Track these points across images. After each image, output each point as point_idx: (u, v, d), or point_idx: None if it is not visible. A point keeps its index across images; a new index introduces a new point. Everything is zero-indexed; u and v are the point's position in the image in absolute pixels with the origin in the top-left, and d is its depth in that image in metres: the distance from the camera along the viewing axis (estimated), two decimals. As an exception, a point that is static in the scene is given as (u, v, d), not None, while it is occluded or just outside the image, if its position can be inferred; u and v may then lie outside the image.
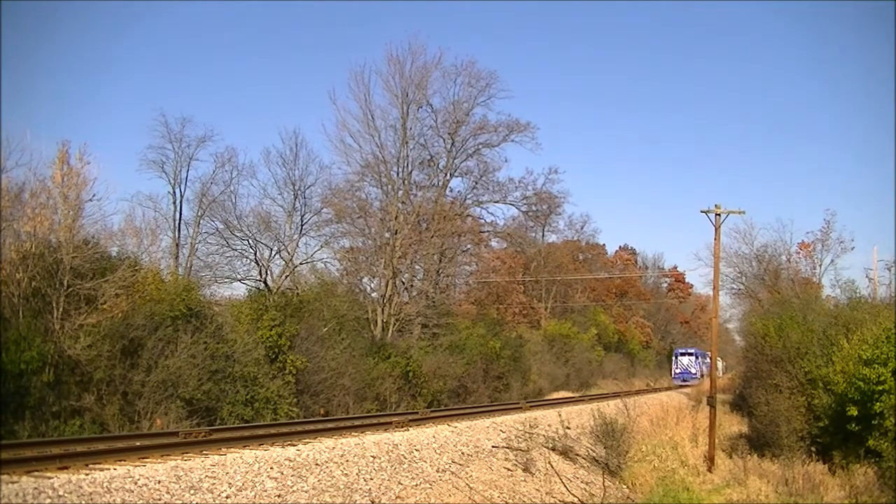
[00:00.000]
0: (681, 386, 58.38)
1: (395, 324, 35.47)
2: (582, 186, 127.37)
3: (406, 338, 35.49)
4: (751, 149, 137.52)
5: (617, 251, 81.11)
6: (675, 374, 64.10)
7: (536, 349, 47.73)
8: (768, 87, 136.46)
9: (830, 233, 41.69)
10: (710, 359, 29.12)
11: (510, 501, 14.10)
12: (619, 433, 19.60)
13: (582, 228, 68.80)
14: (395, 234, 36.81)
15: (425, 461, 13.83)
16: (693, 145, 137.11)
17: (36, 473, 9.08)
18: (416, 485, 12.78)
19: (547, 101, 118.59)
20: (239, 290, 31.83)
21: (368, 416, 21.88)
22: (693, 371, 62.98)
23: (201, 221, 31.49)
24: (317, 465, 11.63)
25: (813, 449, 21.00)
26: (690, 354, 64.75)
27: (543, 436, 18.15)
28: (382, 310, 35.14)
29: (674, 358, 65.97)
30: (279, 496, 10.24)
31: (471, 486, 13.75)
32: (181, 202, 31.56)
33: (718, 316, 31.56)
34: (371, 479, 12.06)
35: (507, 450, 16.30)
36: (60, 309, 17.45)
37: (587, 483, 17.44)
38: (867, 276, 36.03)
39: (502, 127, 42.60)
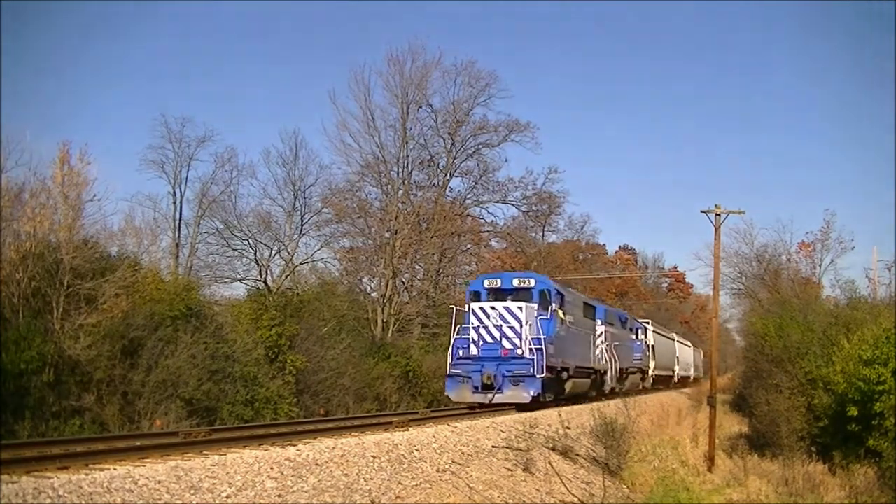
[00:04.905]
0: (472, 407, 21.21)
1: (395, 324, 35.47)
2: (582, 186, 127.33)
3: (406, 338, 35.50)
4: (751, 149, 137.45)
5: (617, 251, 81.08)
6: (456, 362, 21.58)
7: (537, 349, 47.54)
8: (768, 87, 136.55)
9: (830, 233, 41.89)
10: (711, 357, 28.77)
11: (510, 501, 14.10)
12: (619, 433, 19.58)
13: (582, 228, 68.64)
14: (395, 234, 36.82)
15: (425, 461, 13.83)
16: (693, 145, 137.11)
17: (36, 473, 9.07)
18: (417, 485, 12.78)
19: (547, 101, 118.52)
20: (239, 290, 31.89)
21: (368, 416, 21.88)
22: (518, 352, 20.89)
23: (201, 221, 31.54)
24: (317, 465, 11.62)
25: (813, 449, 21.03)
26: (519, 294, 22.41)
27: (543, 436, 18.13)
28: (382, 310, 35.14)
29: (468, 314, 21.84)
30: (279, 496, 10.24)
31: (471, 486, 13.75)
32: (181, 202, 31.62)
33: (718, 316, 31.58)
34: (371, 479, 12.06)
35: (507, 450, 16.30)
36: (60, 309, 17.45)
37: (587, 483, 17.44)
38: (867, 276, 36.09)
39: (502, 127, 42.68)
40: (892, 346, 19.27)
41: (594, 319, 29.08)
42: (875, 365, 19.09)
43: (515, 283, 23.16)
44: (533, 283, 23.04)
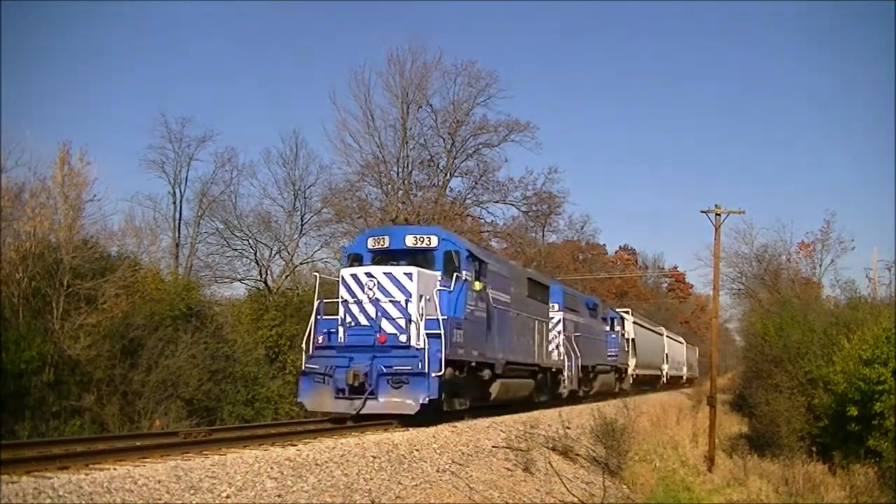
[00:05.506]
0: (340, 420, 15.17)
1: (395, 324, 35.36)
2: (582, 186, 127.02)
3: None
4: (751, 149, 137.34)
5: (617, 251, 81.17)
6: (315, 353, 14.89)
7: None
8: (768, 87, 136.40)
9: (830, 233, 42.02)
10: (711, 357, 28.81)
11: (510, 501, 14.10)
12: (619, 433, 19.59)
13: (582, 228, 68.57)
14: (396, 234, 36.77)
15: (425, 461, 13.83)
16: (693, 145, 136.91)
17: (36, 473, 9.07)
18: (416, 485, 12.78)
19: (547, 101, 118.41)
20: (239, 290, 31.94)
21: (368, 416, 21.86)
22: (403, 338, 14.28)
23: (201, 221, 31.58)
24: (317, 465, 11.63)
25: (813, 449, 21.06)
26: (416, 258, 15.67)
27: (543, 436, 18.13)
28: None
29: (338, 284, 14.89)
30: (279, 496, 10.24)
31: (471, 486, 13.75)
32: (181, 202, 31.70)
33: (718, 316, 31.59)
34: (371, 479, 12.06)
35: (507, 450, 16.29)
36: (60, 309, 17.48)
37: (587, 483, 17.44)
38: (867, 276, 36.17)
39: (502, 127, 42.53)
40: (892, 346, 19.29)
41: (547, 303, 22.79)
42: (875, 365, 19.11)
43: (409, 241, 16.14)
44: (435, 241, 16.00)
